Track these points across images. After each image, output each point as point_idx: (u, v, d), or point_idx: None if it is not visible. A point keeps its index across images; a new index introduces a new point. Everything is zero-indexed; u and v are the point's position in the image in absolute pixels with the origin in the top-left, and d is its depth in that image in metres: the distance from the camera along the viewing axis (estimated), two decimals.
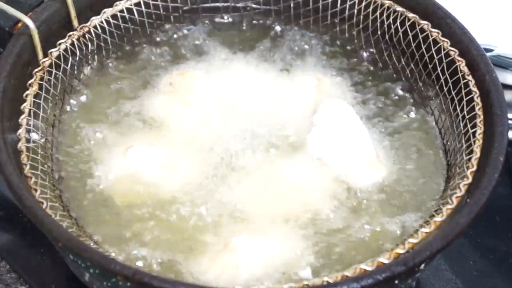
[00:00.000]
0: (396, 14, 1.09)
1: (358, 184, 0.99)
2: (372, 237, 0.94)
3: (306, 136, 1.03)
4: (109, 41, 1.11)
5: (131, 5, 1.11)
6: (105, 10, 1.09)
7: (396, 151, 1.02)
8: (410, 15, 1.07)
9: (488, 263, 1.08)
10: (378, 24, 1.12)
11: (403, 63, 1.10)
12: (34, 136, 0.97)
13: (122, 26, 1.12)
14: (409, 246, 0.85)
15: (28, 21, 0.99)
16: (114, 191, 0.97)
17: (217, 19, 1.18)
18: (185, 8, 1.16)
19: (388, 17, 1.10)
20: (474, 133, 0.96)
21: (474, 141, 0.95)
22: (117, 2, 1.10)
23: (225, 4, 1.17)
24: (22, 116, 0.96)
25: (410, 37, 1.07)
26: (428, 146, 1.03)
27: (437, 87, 1.05)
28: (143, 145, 1.00)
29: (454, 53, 1.02)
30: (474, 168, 0.91)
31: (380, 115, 1.06)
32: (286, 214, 0.95)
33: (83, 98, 1.07)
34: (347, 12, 1.13)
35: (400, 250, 0.85)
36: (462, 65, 1.01)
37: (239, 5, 1.18)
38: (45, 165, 0.96)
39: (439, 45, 1.04)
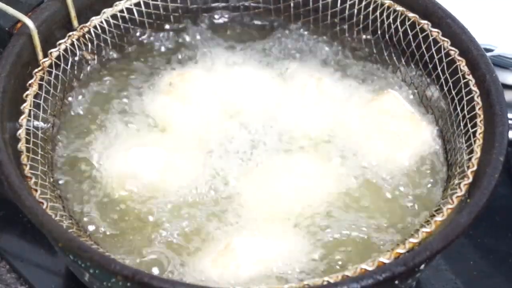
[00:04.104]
0: (396, 13, 1.09)
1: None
2: (375, 237, 0.94)
3: (307, 136, 1.03)
4: (109, 41, 1.11)
5: (131, 5, 1.11)
6: (105, 10, 1.09)
7: None
8: (410, 14, 1.07)
9: (488, 263, 1.08)
10: (378, 24, 1.11)
11: (403, 63, 1.10)
12: (34, 136, 0.97)
13: (122, 26, 1.12)
14: (410, 246, 0.85)
15: (28, 21, 0.99)
16: (115, 191, 0.97)
17: (217, 19, 1.17)
18: (185, 8, 1.16)
19: (388, 16, 1.10)
20: (474, 133, 0.96)
21: (475, 141, 0.95)
22: (117, 2, 1.10)
23: (225, 4, 1.17)
24: (22, 116, 0.96)
25: (410, 36, 1.07)
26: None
27: (437, 86, 1.05)
28: (143, 145, 1.00)
29: (454, 52, 1.02)
30: (475, 168, 0.91)
31: None
32: (287, 214, 0.95)
33: (83, 99, 1.07)
34: (347, 11, 1.13)
35: (400, 250, 0.85)
36: (462, 64, 1.01)
37: (239, 4, 1.17)
38: (45, 166, 0.96)
39: (439, 44, 1.04)
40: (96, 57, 1.10)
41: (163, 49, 1.14)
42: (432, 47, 1.04)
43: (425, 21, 1.05)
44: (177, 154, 1.00)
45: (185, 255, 0.92)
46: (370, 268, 0.83)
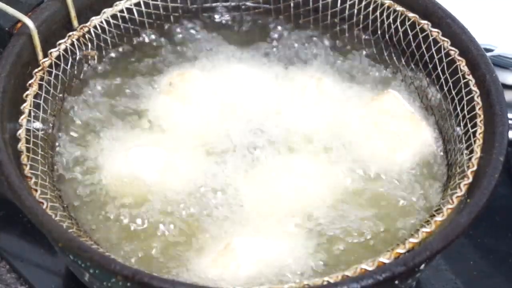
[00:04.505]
0: (396, 13, 1.09)
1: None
2: (375, 237, 0.94)
3: (307, 136, 1.03)
4: (109, 41, 1.11)
5: (131, 5, 1.11)
6: (105, 10, 1.09)
7: None
8: (410, 14, 1.07)
9: (488, 263, 1.08)
10: (378, 24, 1.12)
11: (403, 63, 1.10)
12: (34, 136, 0.97)
13: (122, 26, 1.12)
14: (410, 246, 0.85)
15: (28, 21, 0.99)
16: (115, 192, 0.97)
17: (217, 19, 1.18)
18: (185, 8, 1.16)
19: (388, 16, 1.10)
20: (474, 133, 0.96)
21: (475, 141, 0.95)
22: (117, 2, 1.10)
23: (225, 4, 1.17)
24: (22, 116, 0.96)
25: (410, 36, 1.07)
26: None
27: (437, 86, 1.05)
28: (143, 145, 1.00)
29: (454, 52, 1.02)
30: (475, 168, 0.91)
31: None
32: (287, 214, 0.95)
33: (83, 99, 1.07)
34: (347, 11, 1.13)
35: (400, 250, 0.85)
36: (462, 64, 1.01)
37: (239, 4, 1.17)
38: (45, 166, 0.96)
39: (439, 44, 1.04)
40: (97, 54, 1.10)
41: (163, 49, 1.14)
42: (432, 47, 1.04)
43: (425, 21, 1.05)
44: (177, 154, 1.00)
45: (185, 255, 0.92)
46: (370, 268, 0.83)
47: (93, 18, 1.09)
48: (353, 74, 1.11)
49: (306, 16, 1.16)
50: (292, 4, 1.16)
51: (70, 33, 1.06)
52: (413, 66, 1.09)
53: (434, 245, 0.83)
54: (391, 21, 1.09)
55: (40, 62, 1.02)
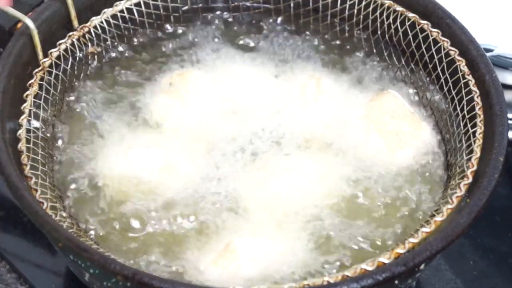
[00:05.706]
0: (396, 13, 1.09)
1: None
2: (375, 237, 0.94)
3: (306, 136, 1.03)
4: (109, 41, 1.11)
5: (131, 5, 1.11)
6: (105, 10, 1.10)
7: None
8: (410, 14, 1.07)
9: (488, 263, 1.08)
10: (378, 24, 1.12)
11: (403, 63, 1.10)
12: (34, 136, 0.97)
13: (122, 26, 1.12)
14: (409, 246, 0.85)
15: (28, 21, 0.99)
16: (115, 192, 0.97)
17: (217, 19, 1.18)
18: (185, 8, 1.16)
19: (388, 16, 1.10)
20: (474, 133, 0.96)
21: (474, 141, 0.95)
22: (117, 2, 1.10)
23: (225, 4, 1.17)
24: (22, 117, 0.96)
25: (410, 36, 1.07)
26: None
27: (437, 86, 1.05)
28: (143, 145, 1.00)
29: (454, 52, 1.02)
30: (475, 168, 0.91)
31: None
32: (287, 214, 0.95)
33: (83, 98, 1.07)
34: (347, 12, 1.14)
35: (400, 250, 0.85)
36: (462, 64, 1.01)
37: (239, 4, 1.18)
38: (46, 166, 0.96)
39: (439, 44, 1.04)
40: (98, 50, 1.10)
41: (163, 49, 1.14)
42: (432, 47, 1.04)
43: (425, 21, 1.05)
44: (177, 154, 1.00)
45: (185, 255, 0.92)
46: (370, 268, 0.83)
47: (93, 18, 1.09)
48: (353, 74, 1.11)
49: (306, 16, 1.16)
50: (292, 4, 1.16)
51: (70, 33, 1.06)
52: (413, 66, 1.09)
53: (434, 245, 0.83)
54: (391, 21, 1.09)
55: (40, 62, 1.02)
